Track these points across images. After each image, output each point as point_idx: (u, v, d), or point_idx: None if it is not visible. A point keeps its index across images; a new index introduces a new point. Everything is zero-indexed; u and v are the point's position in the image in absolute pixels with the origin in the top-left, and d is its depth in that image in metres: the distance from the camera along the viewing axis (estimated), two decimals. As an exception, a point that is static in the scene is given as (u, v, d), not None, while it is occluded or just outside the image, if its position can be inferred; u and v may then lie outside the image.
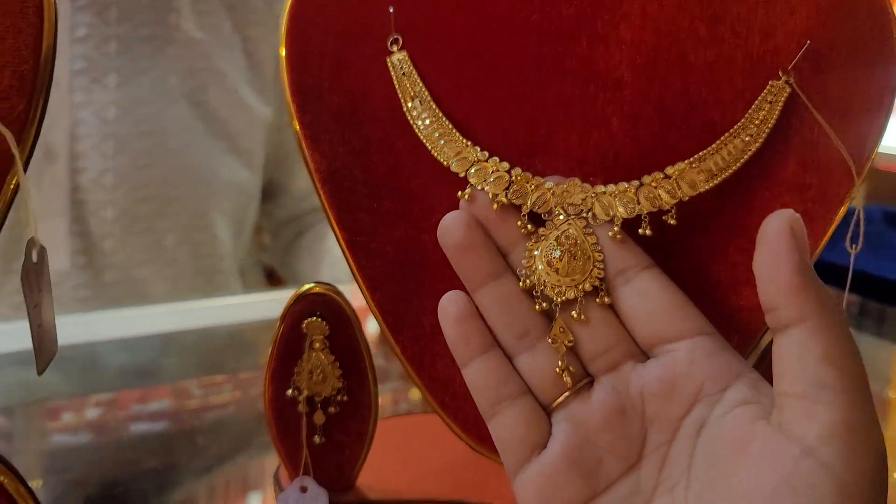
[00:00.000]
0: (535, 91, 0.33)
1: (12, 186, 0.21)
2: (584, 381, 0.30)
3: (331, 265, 0.93)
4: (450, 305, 0.30)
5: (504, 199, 0.31)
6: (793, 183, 0.33)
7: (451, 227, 0.30)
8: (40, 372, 0.24)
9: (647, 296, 0.29)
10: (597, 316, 0.30)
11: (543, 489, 0.28)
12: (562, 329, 0.31)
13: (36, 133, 0.21)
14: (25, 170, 0.21)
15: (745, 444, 0.25)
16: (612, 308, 0.30)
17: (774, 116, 0.32)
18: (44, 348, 0.23)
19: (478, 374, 0.30)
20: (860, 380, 0.24)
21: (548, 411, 0.30)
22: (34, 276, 0.22)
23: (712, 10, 0.32)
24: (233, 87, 0.84)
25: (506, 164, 0.32)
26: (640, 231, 0.32)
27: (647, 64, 0.32)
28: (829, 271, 0.36)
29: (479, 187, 0.32)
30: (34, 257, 0.22)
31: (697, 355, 0.27)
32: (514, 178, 0.32)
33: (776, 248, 0.25)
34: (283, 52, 0.36)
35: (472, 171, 0.32)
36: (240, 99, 0.85)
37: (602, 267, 0.31)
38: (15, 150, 0.21)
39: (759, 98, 0.32)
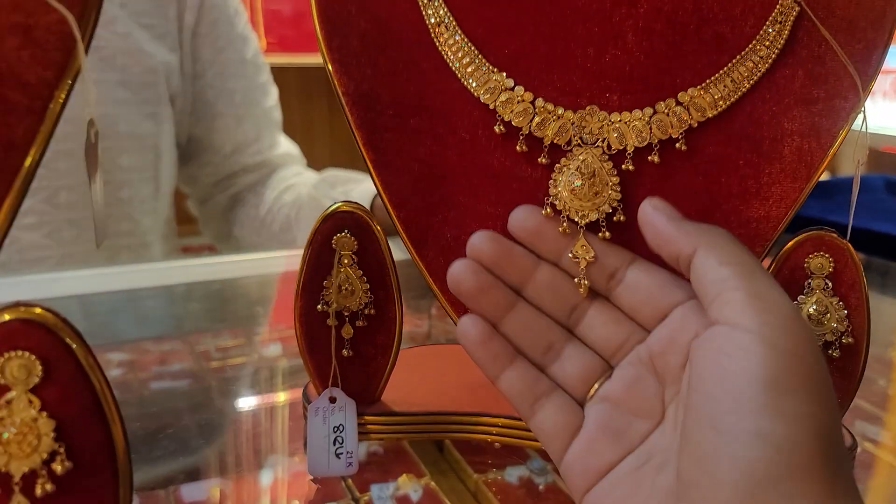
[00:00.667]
0: (553, 7, 0.34)
1: (74, 73, 0.23)
2: (608, 372, 0.32)
3: (281, 230, 0.91)
4: (470, 329, 0.33)
5: (527, 130, 0.34)
6: (801, 96, 0.34)
7: (461, 277, 0.33)
8: (98, 245, 0.25)
9: (638, 287, 0.32)
10: (610, 318, 0.32)
11: (584, 459, 0.31)
12: (583, 246, 0.33)
13: (94, 21, 0.23)
14: (87, 52, 0.23)
15: (696, 352, 0.27)
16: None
17: (784, 36, 0.34)
18: (99, 225, 0.25)
19: (510, 383, 0.33)
20: (753, 266, 0.27)
21: (581, 405, 0.32)
22: (91, 154, 0.24)
23: (723, -74, 0.34)
24: (125, 31, 0.80)
25: (530, 95, 0.34)
26: (650, 158, 0.34)
27: (661, -20, 0.33)
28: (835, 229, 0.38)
29: (506, 118, 0.34)
30: (92, 137, 0.24)
31: (687, 312, 0.29)
32: (536, 109, 0.34)
33: (647, 220, 0.30)
34: (311, -19, 0.38)
35: (500, 101, 0.34)
36: (134, 44, 0.80)
37: (619, 190, 0.33)
38: (78, 36, 0.23)
39: (770, 18, 0.34)
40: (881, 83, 2.23)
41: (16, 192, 0.22)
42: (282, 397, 0.52)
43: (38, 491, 0.22)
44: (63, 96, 0.23)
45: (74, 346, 0.23)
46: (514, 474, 0.40)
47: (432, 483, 0.39)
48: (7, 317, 0.22)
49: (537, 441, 0.33)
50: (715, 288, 0.27)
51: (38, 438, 0.22)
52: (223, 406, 0.50)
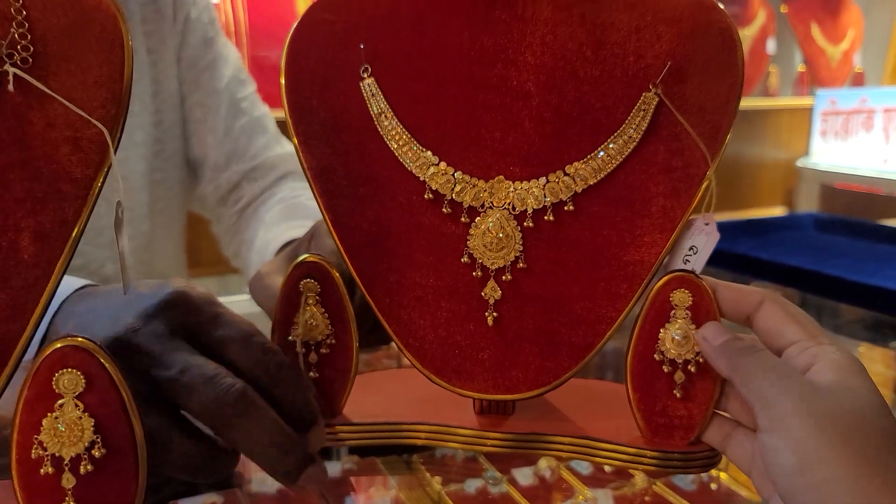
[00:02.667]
0: (468, 102, 0.44)
1: (106, 168, 0.32)
2: None
3: (258, 251, 0.89)
4: None
5: (450, 196, 0.44)
6: (663, 166, 0.44)
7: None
8: (125, 292, 0.34)
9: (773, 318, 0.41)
10: None
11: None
12: (493, 287, 0.43)
13: (121, 131, 0.33)
14: (115, 151, 0.32)
15: None
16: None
17: (647, 120, 0.44)
18: (125, 276, 0.34)
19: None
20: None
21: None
22: (119, 226, 0.34)
23: (596, 38, 0.44)
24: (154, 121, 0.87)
25: (451, 169, 0.44)
26: (546, 217, 0.44)
27: (548, 80, 0.43)
28: (763, 267, 0.48)
29: (433, 187, 0.44)
30: (119, 214, 0.33)
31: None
32: (457, 180, 0.44)
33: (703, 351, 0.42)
34: (282, 80, 0.47)
35: (428, 174, 0.44)
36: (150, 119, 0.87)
37: (521, 243, 0.43)
38: (111, 143, 0.32)
39: (636, 106, 0.44)
40: (832, 123, 2.37)
41: (67, 253, 0.31)
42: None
43: (82, 470, 0.31)
44: (100, 185, 0.32)
45: (107, 365, 0.32)
46: (472, 486, 0.48)
47: (401, 494, 0.47)
48: (59, 344, 0.31)
49: (471, 444, 0.42)
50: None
51: (82, 432, 0.31)
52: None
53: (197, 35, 0.95)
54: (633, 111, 0.44)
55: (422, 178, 0.44)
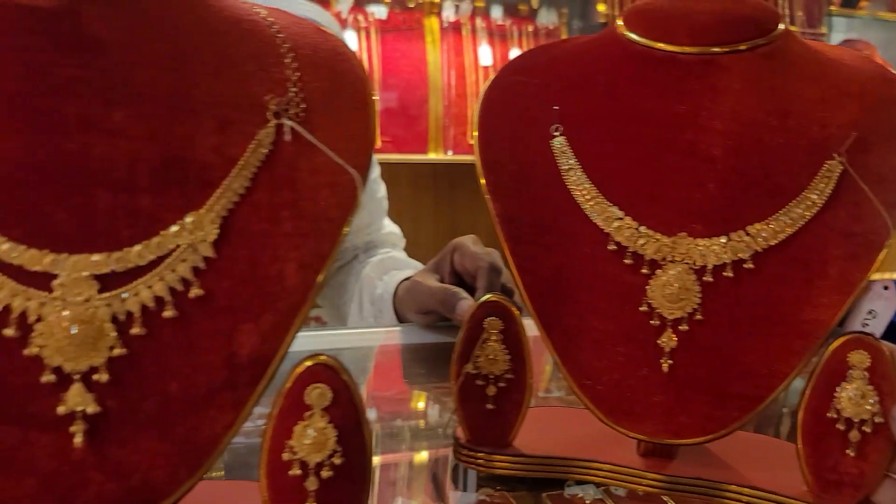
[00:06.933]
0: (655, 162, 0.47)
1: (354, 210, 0.37)
2: None
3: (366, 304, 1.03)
4: None
5: (633, 249, 0.47)
6: (843, 231, 0.46)
7: None
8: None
9: None
10: None
11: None
12: (669, 336, 0.45)
13: (367, 175, 0.38)
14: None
15: None
16: None
17: (831, 187, 0.46)
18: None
19: None
20: None
21: None
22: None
23: (782, 108, 0.46)
24: None
25: (635, 223, 0.47)
26: (725, 273, 0.46)
27: (734, 145, 0.46)
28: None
29: (617, 239, 0.47)
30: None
31: None
32: (640, 233, 0.47)
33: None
34: (475, 134, 0.52)
35: (613, 226, 0.47)
36: None
37: (699, 296, 0.46)
38: (359, 188, 0.37)
39: (819, 174, 0.46)
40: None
41: (321, 282, 0.36)
42: (375, 460, 0.57)
43: (324, 475, 0.35)
44: (348, 224, 0.37)
45: (348, 381, 0.36)
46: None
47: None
48: (308, 363, 0.36)
49: (635, 484, 0.44)
50: None
51: (326, 441, 0.35)
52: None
53: None
54: (817, 178, 0.46)
55: (606, 231, 0.48)
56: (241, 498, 0.41)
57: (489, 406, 0.51)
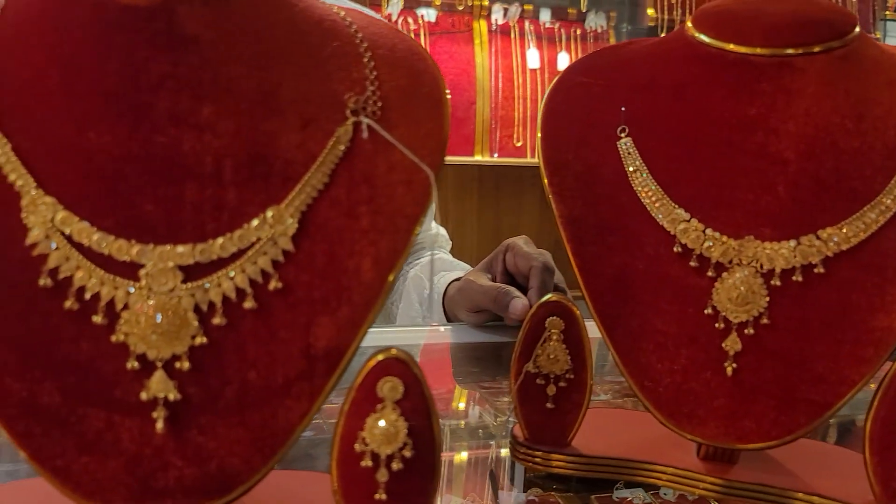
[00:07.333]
0: (723, 164, 0.47)
1: (427, 207, 0.38)
2: None
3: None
4: None
5: (698, 252, 0.47)
6: (916, 237, 0.45)
7: None
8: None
9: None
10: None
11: None
12: (734, 340, 0.45)
13: (439, 171, 0.38)
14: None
15: None
16: None
17: (905, 193, 0.45)
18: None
19: None
20: None
21: None
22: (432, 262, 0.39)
23: (858, 111, 0.46)
24: None
25: (702, 226, 0.47)
26: (794, 278, 0.45)
27: (807, 148, 0.46)
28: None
29: (683, 242, 0.47)
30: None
31: None
32: (707, 236, 0.47)
33: None
34: (539, 135, 0.52)
35: (679, 228, 0.47)
36: None
37: (767, 299, 0.45)
38: (433, 186, 0.38)
39: (894, 179, 0.45)
40: None
41: (394, 278, 0.37)
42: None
43: (394, 467, 0.36)
44: (422, 221, 0.38)
45: (419, 375, 0.37)
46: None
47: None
48: (381, 357, 0.36)
49: (694, 487, 0.44)
50: None
51: (397, 433, 0.36)
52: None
53: None
54: (892, 182, 0.45)
55: (672, 233, 0.47)
56: (310, 488, 0.41)
57: (549, 405, 0.51)
